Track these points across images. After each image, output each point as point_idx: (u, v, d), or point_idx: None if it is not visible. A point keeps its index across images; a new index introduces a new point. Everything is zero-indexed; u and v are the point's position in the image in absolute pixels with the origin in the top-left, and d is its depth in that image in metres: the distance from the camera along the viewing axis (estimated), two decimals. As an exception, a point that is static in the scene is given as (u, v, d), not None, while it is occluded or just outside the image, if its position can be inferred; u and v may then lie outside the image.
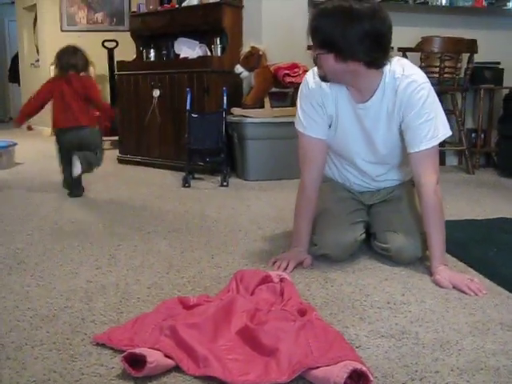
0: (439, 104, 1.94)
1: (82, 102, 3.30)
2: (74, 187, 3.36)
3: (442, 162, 4.64)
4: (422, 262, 2.05)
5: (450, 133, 1.95)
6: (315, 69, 1.94)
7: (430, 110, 1.89)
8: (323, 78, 1.92)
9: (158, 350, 1.31)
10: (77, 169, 3.21)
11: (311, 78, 2.00)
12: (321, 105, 1.99)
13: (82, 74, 3.33)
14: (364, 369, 1.21)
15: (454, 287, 1.81)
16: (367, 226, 2.18)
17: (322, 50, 1.82)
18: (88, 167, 3.30)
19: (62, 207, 3.07)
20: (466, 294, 1.77)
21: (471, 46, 4.11)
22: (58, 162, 3.40)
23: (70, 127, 3.27)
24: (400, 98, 1.89)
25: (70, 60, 3.28)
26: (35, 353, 1.38)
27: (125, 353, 1.29)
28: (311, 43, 1.86)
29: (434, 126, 1.89)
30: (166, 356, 1.30)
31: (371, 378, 1.20)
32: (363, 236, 2.13)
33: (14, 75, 9.30)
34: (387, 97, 1.91)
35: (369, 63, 1.82)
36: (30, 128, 8.13)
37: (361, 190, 2.22)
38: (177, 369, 1.30)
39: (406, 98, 1.88)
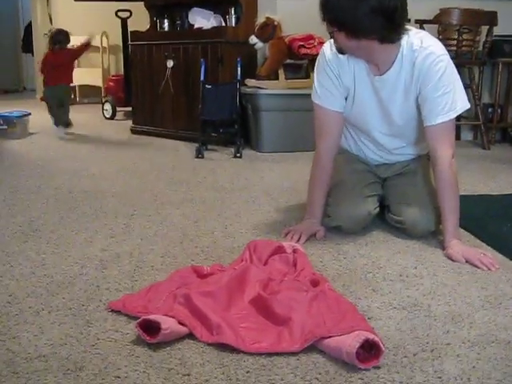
0: (458, 76, 1.91)
1: (63, 68, 4.65)
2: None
3: (458, 136, 4.58)
4: (434, 235, 2.04)
5: (468, 106, 1.93)
6: (332, 40, 1.92)
7: (448, 83, 1.86)
8: (340, 51, 1.90)
9: (172, 317, 1.33)
10: (61, 131, 4.60)
11: (328, 49, 1.98)
12: (337, 76, 1.97)
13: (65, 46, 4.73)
14: (376, 339, 1.22)
15: (466, 261, 1.81)
16: (381, 199, 2.18)
17: (332, 27, 1.80)
18: (68, 123, 4.70)
19: (76, 177, 3.09)
20: (478, 268, 1.77)
21: (491, 18, 4.01)
22: (48, 110, 4.74)
23: (56, 84, 4.62)
24: (418, 70, 1.86)
25: (58, 38, 4.66)
26: (52, 318, 1.41)
27: (139, 319, 1.31)
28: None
29: (451, 99, 1.87)
30: (180, 323, 1.32)
31: (383, 349, 1.21)
32: (377, 210, 2.13)
33: (27, 45, 9.26)
34: (405, 69, 1.89)
35: (382, 39, 1.79)
36: (43, 99, 8.14)
37: (376, 163, 2.21)
38: (190, 336, 1.32)
39: (424, 70, 1.86)
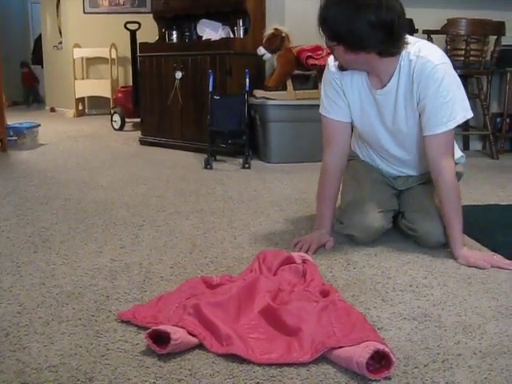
0: (458, 84, 1.88)
1: None
2: None
3: (466, 146, 4.59)
4: (444, 246, 2.03)
5: (470, 115, 1.90)
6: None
7: (446, 92, 1.84)
8: (341, 67, 1.92)
9: (182, 327, 1.32)
10: None
11: (332, 61, 1.99)
12: (342, 88, 1.98)
13: None
14: (386, 350, 1.21)
15: (492, 266, 1.83)
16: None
17: (331, 42, 1.81)
18: None
19: (86, 187, 3.10)
20: (504, 269, 1.80)
21: (499, 28, 4.02)
22: None
23: None
24: (416, 80, 1.85)
25: None
26: (62, 328, 1.41)
27: (149, 330, 1.30)
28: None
29: (451, 109, 1.84)
30: (190, 334, 1.32)
31: (393, 359, 1.20)
32: (391, 225, 2.12)
33: (37, 57, 9.36)
34: (403, 80, 1.88)
35: (380, 53, 1.80)
36: (52, 110, 8.21)
37: (394, 176, 2.21)
38: (200, 346, 1.32)
39: (422, 79, 1.84)
